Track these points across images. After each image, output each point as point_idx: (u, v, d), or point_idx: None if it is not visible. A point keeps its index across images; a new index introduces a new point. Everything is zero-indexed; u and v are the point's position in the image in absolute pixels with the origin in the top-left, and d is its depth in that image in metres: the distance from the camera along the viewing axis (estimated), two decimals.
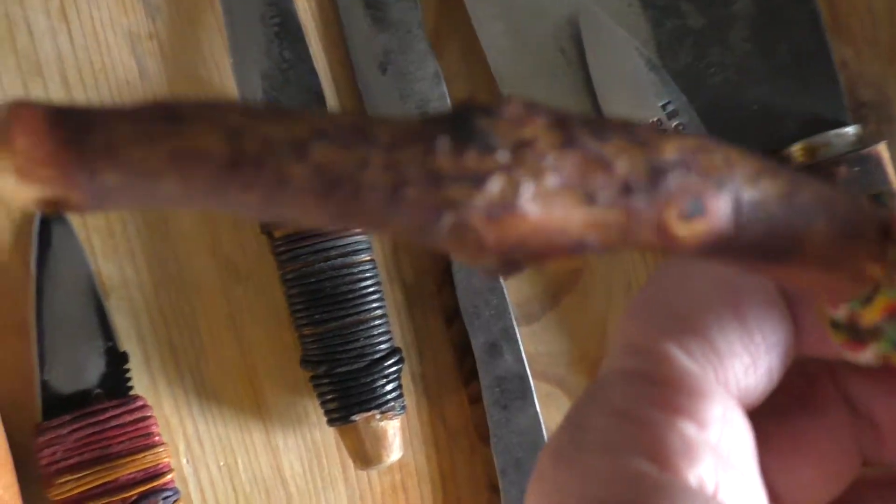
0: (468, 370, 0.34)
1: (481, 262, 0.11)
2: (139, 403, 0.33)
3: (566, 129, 0.10)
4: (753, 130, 0.34)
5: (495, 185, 0.10)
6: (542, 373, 0.35)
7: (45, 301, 0.33)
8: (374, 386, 0.32)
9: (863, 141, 0.33)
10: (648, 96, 0.34)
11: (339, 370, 0.32)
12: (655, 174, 0.10)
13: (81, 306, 0.33)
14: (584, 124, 0.10)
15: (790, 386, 0.14)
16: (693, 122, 0.33)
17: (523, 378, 0.33)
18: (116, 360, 0.33)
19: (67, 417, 0.32)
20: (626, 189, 0.10)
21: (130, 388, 0.33)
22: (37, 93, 0.33)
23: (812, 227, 0.11)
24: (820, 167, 0.32)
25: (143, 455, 0.32)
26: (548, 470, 0.13)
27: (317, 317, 0.32)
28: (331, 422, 0.33)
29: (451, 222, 0.10)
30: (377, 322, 0.32)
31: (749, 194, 0.11)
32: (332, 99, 0.35)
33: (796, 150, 0.34)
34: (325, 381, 0.32)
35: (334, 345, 0.32)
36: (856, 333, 0.12)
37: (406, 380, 0.34)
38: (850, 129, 0.33)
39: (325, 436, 0.35)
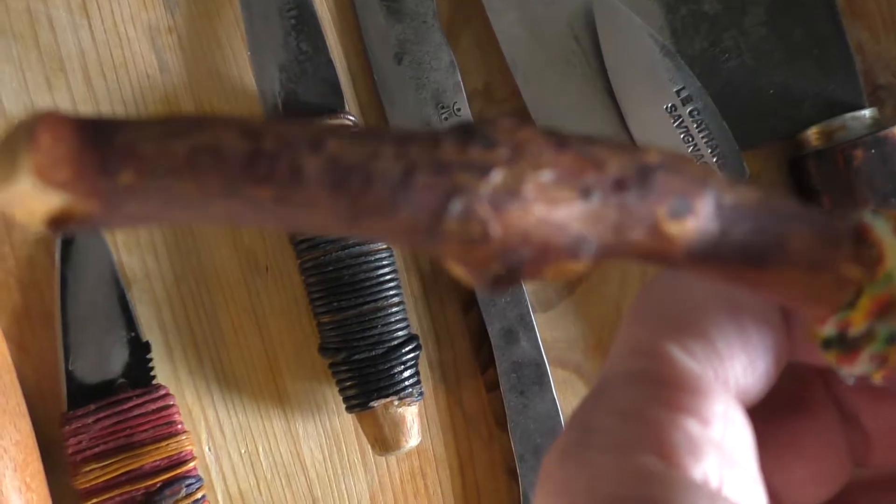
0: (485, 357, 0.35)
1: (484, 266, 0.11)
2: (162, 392, 0.33)
3: (558, 135, 0.11)
4: (769, 115, 0.34)
5: (499, 176, 0.10)
6: (558, 359, 0.35)
7: (70, 293, 0.33)
8: (392, 372, 0.32)
9: (879, 124, 0.33)
10: (663, 82, 0.33)
11: (358, 357, 0.32)
12: (644, 173, 0.11)
13: (105, 298, 0.34)
14: (572, 135, 0.11)
15: (785, 389, 0.14)
16: (708, 108, 0.33)
17: (540, 364, 0.33)
18: (139, 350, 0.34)
19: (92, 407, 0.32)
20: (619, 185, 0.11)
21: (153, 377, 0.34)
22: (60, 87, 0.34)
23: (791, 230, 0.11)
24: (836, 151, 0.32)
25: (166, 443, 0.33)
26: (555, 470, 0.13)
27: (335, 304, 0.32)
28: (349, 408, 0.33)
29: (461, 207, 0.10)
30: (394, 309, 0.32)
31: (729, 197, 0.11)
32: (348, 90, 0.35)
33: (812, 133, 0.33)
34: (344, 367, 0.32)
35: (352, 332, 0.32)
36: (847, 345, 0.12)
37: (424, 367, 0.35)
38: (867, 112, 0.33)
39: (344, 422, 0.35)
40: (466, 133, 0.11)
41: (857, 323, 0.12)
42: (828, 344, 0.12)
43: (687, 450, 0.12)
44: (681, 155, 0.12)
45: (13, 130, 0.10)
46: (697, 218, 0.11)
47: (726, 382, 0.13)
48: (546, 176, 0.11)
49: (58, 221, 0.10)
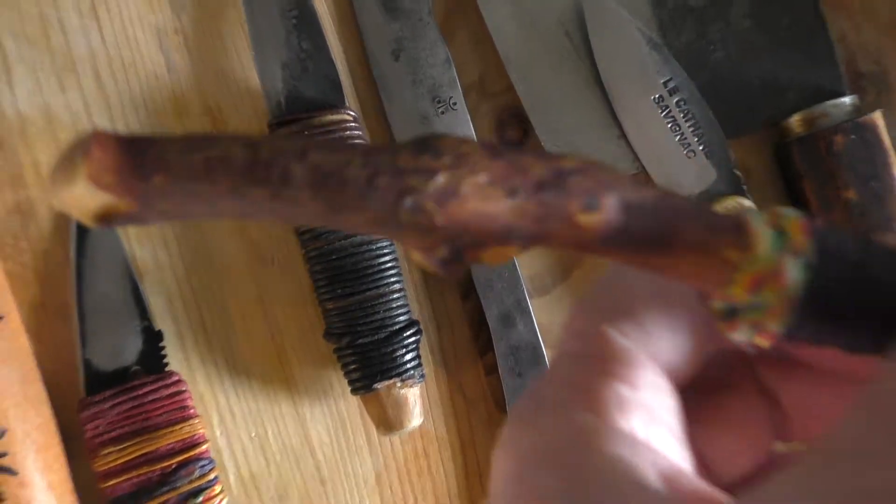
0: (484, 342, 0.35)
1: (434, 250, 0.13)
2: (174, 378, 0.34)
3: (494, 148, 0.14)
4: (754, 103, 0.35)
5: (442, 178, 0.13)
6: (554, 342, 0.36)
7: (85, 285, 0.34)
8: (395, 355, 0.33)
9: (860, 110, 0.34)
10: (651, 74, 0.34)
11: (361, 341, 0.33)
12: (560, 176, 0.13)
13: (119, 289, 0.34)
14: (506, 148, 0.14)
15: (715, 373, 0.17)
16: (695, 98, 0.34)
17: (536, 347, 0.34)
18: (152, 339, 0.34)
19: (109, 393, 0.33)
20: (539, 186, 0.13)
21: (166, 364, 0.34)
22: (72, 87, 0.34)
23: (684, 223, 0.14)
24: (818, 137, 0.33)
25: (179, 427, 0.33)
26: (507, 433, 0.15)
27: (339, 291, 0.33)
28: (354, 391, 0.34)
29: (411, 203, 0.13)
30: (395, 296, 0.33)
31: (633, 196, 0.14)
32: (348, 86, 0.36)
33: (795, 120, 0.34)
34: (349, 352, 0.33)
35: (356, 318, 0.33)
36: (733, 314, 0.14)
37: (425, 352, 0.35)
38: (847, 100, 0.34)
39: (350, 406, 0.36)
40: (420, 146, 0.13)
41: (738, 296, 0.14)
42: (720, 315, 0.14)
43: (617, 408, 0.14)
44: (594, 162, 0.14)
45: (71, 145, 0.13)
46: (604, 212, 0.13)
47: (654, 357, 0.15)
48: (481, 178, 0.13)
49: (105, 217, 0.13)
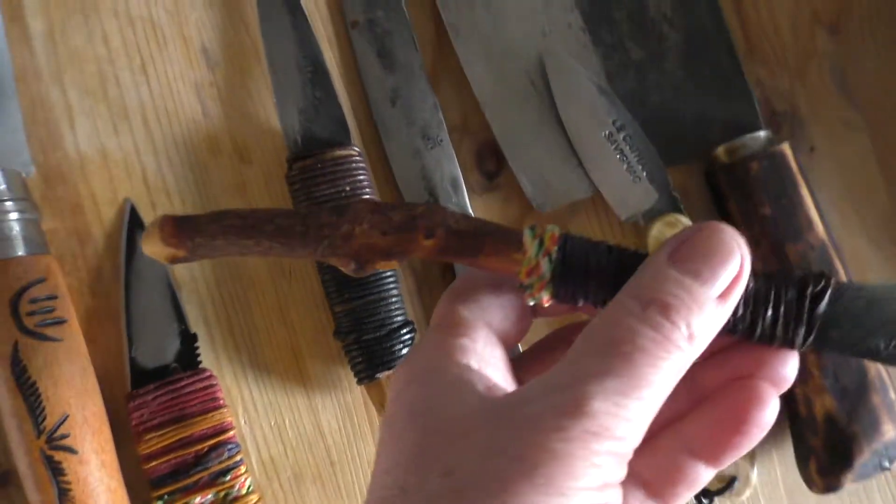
0: None
1: (348, 265, 0.22)
2: (207, 374, 0.37)
3: (376, 205, 0.22)
4: (686, 137, 0.38)
5: (345, 226, 0.22)
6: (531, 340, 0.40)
7: (132, 294, 0.37)
8: (393, 349, 0.36)
9: (772, 142, 0.37)
10: (601, 115, 0.37)
11: (365, 338, 0.36)
12: (412, 219, 0.22)
13: (160, 297, 0.37)
14: (384, 205, 0.22)
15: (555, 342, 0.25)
16: (638, 133, 0.38)
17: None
18: (188, 341, 0.37)
19: (151, 387, 0.36)
20: (399, 226, 0.22)
21: (200, 362, 0.37)
22: (124, 132, 0.38)
23: (488, 236, 0.22)
24: (738, 164, 0.37)
25: (211, 415, 0.36)
26: (395, 373, 0.22)
27: (346, 296, 0.36)
28: (360, 381, 0.36)
29: (327, 243, 0.22)
30: (393, 300, 0.36)
31: (455, 225, 0.22)
32: (353, 127, 0.38)
33: (720, 151, 0.38)
34: (355, 347, 0.36)
35: (361, 318, 0.36)
36: (525, 288, 0.22)
37: None
38: (762, 133, 0.38)
39: (356, 397, 0.38)
40: (335, 210, 0.22)
41: (523, 279, 0.22)
42: (521, 290, 0.22)
43: (460, 351, 0.21)
44: (437, 206, 0.23)
45: (152, 222, 0.23)
46: (437, 238, 0.22)
47: (489, 325, 0.22)
48: (365, 226, 0.22)
49: (171, 259, 0.23)
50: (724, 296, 0.19)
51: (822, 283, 0.20)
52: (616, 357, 0.18)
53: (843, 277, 0.37)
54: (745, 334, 0.21)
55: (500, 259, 0.22)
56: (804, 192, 0.36)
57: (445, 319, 0.22)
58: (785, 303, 0.20)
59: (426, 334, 0.23)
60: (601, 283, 0.21)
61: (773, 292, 0.20)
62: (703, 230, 0.19)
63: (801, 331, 0.20)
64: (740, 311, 0.20)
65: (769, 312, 0.20)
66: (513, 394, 0.19)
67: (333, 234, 0.22)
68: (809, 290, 0.20)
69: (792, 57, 0.41)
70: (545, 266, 0.21)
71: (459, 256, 0.22)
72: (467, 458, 0.18)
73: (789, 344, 0.20)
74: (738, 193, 0.37)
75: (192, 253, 0.22)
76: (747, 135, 0.37)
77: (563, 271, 0.21)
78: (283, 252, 0.22)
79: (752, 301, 0.20)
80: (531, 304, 0.22)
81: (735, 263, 0.19)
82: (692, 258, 0.19)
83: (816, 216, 0.36)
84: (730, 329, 0.20)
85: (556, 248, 0.21)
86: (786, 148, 0.37)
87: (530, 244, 0.22)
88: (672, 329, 0.18)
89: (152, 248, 0.23)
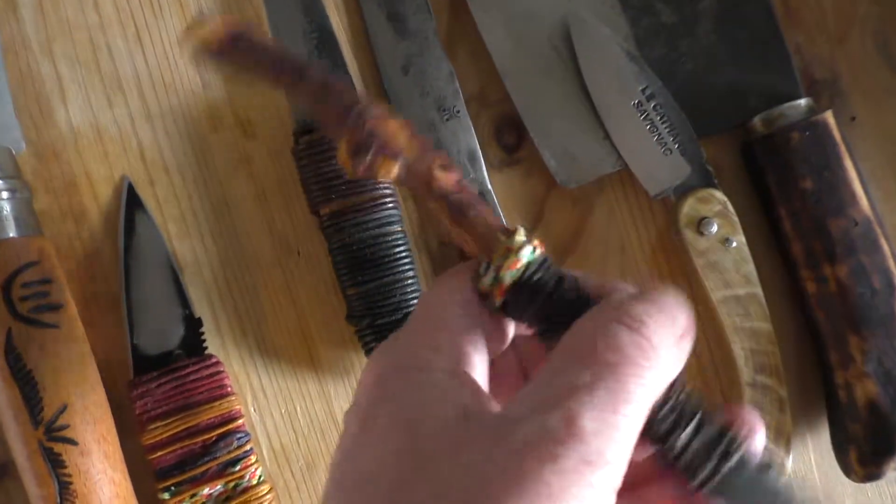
0: None
1: (353, 149, 0.21)
2: (213, 361, 0.36)
3: (412, 126, 0.22)
4: (721, 107, 0.38)
5: (377, 111, 0.22)
6: None
7: (132, 278, 0.36)
8: None
9: (813, 111, 0.37)
10: (630, 83, 0.37)
11: (380, 322, 0.35)
12: (427, 149, 0.22)
13: (162, 281, 0.37)
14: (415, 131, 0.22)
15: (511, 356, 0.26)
16: (669, 103, 0.37)
17: None
18: (192, 325, 0.36)
19: (155, 374, 0.35)
20: (423, 147, 0.22)
21: (205, 348, 0.37)
22: (119, 104, 0.37)
23: (481, 206, 0.23)
24: (777, 134, 0.36)
25: (218, 403, 0.36)
26: (374, 357, 0.22)
27: (359, 279, 0.35)
28: None
29: (354, 115, 0.22)
30: (409, 281, 0.36)
31: (465, 182, 0.23)
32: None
33: (757, 121, 0.37)
34: (368, 331, 0.36)
35: (375, 301, 0.35)
36: (484, 297, 0.22)
37: None
38: (802, 102, 0.37)
39: None
40: (367, 103, 0.23)
41: (495, 261, 0.22)
42: (482, 297, 0.23)
43: (447, 351, 0.22)
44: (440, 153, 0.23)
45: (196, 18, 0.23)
46: (452, 174, 0.22)
47: (478, 326, 0.23)
48: (397, 124, 0.22)
49: (203, 41, 0.22)
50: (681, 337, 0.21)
51: (737, 444, 0.20)
52: (602, 366, 0.19)
53: (888, 254, 0.35)
54: (661, 439, 0.21)
55: (485, 230, 0.22)
56: (847, 163, 0.35)
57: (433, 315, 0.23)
58: (705, 432, 0.20)
59: (411, 321, 0.23)
60: (545, 314, 0.22)
61: (700, 414, 0.21)
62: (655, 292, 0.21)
63: (708, 466, 0.20)
64: (664, 413, 0.21)
65: (689, 429, 0.20)
66: (502, 413, 0.20)
67: (366, 109, 0.22)
68: (727, 438, 0.20)
69: (833, 22, 0.40)
70: (523, 259, 0.22)
71: (449, 208, 0.22)
72: (459, 483, 0.18)
73: (690, 475, 0.21)
74: (777, 166, 0.36)
75: (226, 49, 0.22)
76: (786, 103, 0.37)
77: (520, 288, 0.22)
78: (303, 98, 0.22)
79: (679, 411, 0.21)
80: (490, 306, 0.23)
81: (680, 324, 0.21)
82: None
83: (860, 189, 0.35)
84: (648, 430, 0.20)
85: (514, 269, 0.22)
86: (829, 117, 0.36)
87: (520, 231, 0.22)
88: (646, 341, 0.20)
89: (200, 28, 0.22)
